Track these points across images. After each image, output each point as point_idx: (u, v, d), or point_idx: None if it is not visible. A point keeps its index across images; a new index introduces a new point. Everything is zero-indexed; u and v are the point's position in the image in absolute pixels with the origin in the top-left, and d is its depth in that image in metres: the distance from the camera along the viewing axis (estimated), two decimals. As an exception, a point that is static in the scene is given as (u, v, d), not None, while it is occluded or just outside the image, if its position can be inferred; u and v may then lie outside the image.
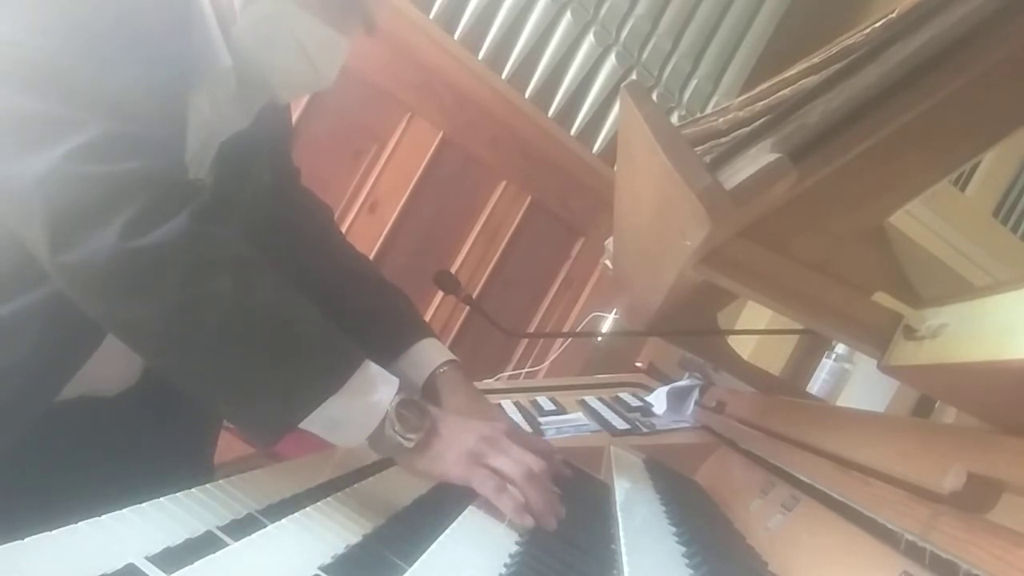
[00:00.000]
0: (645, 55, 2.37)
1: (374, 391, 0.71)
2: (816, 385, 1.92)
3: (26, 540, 0.43)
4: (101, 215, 0.64)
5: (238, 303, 0.67)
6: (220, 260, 0.68)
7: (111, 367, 0.85)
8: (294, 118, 1.92)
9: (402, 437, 0.71)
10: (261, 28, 0.82)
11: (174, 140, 0.75)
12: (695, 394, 1.41)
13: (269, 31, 0.82)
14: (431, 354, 0.96)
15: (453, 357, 0.96)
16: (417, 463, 0.73)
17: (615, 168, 1.12)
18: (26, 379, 0.74)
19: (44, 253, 0.65)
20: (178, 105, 0.77)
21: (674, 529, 0.76)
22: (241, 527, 0.55)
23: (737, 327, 2.11)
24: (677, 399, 1.42)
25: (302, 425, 0.69)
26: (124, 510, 0.51)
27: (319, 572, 0.51)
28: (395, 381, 0.73)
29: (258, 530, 0.55)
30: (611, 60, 2.32)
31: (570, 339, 2.18)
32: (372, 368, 0.72)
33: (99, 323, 0.70)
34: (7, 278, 0.74)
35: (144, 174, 0.67)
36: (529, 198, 2.33)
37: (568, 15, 2.24)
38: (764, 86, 0.90)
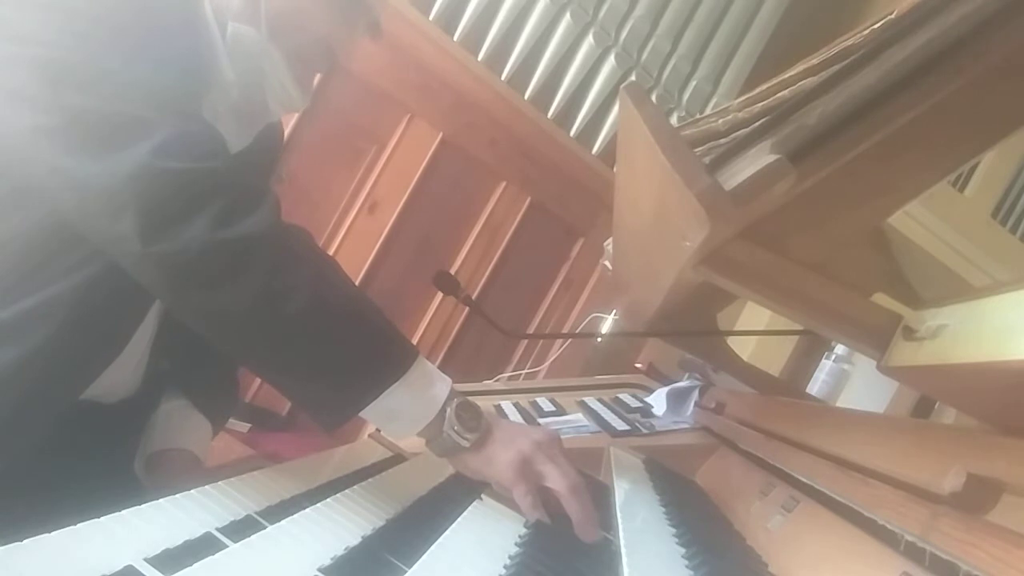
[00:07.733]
0: (644, 56, 2.37)
1: (432, 386, 0.75)
2: (816, 386, 1.92)
3: (26, 541, 0.43)
4: (192, 207, 0.67)
5: (316, 294, 0.70)
6: (299, 253, 0.72)
7: (121, 375, 0.86)
8: (295, 118, 1.93)
9: (460, 436, 0.75)
10: (242, 46, 0.84)
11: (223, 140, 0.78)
12: (695, 395, 1.41)
13: (248, 51, 0.85)
14: None
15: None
16: (470, 462, 0.76)
17: (615, 169, 1.12)
18: (50, 370, 0.74)
19: (134, 244, 0.66)
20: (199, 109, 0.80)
21: (674, 530, 0.75)
22: (240, 528, 0.55)
23: (737, 327, 2.11)
24: (677, 400, 1.42)
25: (362, 413, 0.72)
26: (123, 511, 0.51)
27: (318, 574, 0.51)
28: (448, 380, 0.77)
29: (257, 532, 0.55)
30: (610, 61, 2.32)
31: (570, 340, 2.17)
32: (428, 364, 0.76)
33: (181, 312, 0.73)
34: (37, 269, 0.74)
35: (225, 170, 0.71)
36: (529, 199, 2.33)
37: (568, 16, 2.24)
38: (763, 87, 0.90)
